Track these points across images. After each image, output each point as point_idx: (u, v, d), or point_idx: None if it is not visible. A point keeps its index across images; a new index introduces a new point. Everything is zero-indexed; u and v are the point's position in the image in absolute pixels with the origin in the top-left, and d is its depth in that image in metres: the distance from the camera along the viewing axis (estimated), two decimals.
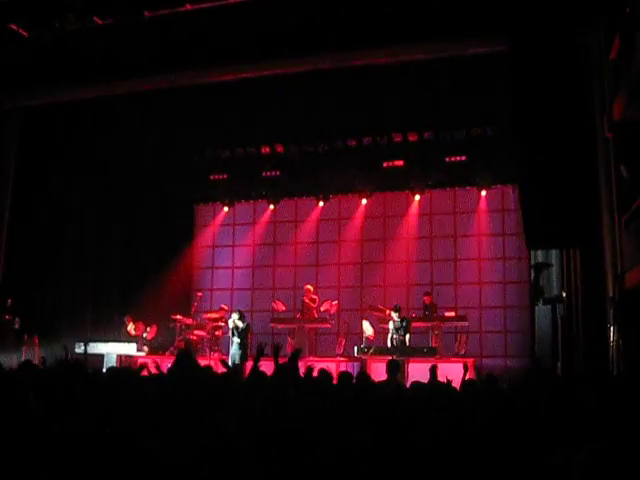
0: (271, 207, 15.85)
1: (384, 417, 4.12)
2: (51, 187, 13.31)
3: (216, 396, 4.63)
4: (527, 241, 11.22)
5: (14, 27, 10.98)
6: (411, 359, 11.36)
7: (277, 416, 3.90)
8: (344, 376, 6.30)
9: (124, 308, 14.18)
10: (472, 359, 12.37)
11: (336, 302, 13.76)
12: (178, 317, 14.11)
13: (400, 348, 12.08)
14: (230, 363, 12.11)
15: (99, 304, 14.22)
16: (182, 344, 13.32)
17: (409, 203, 15.03)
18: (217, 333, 13.75)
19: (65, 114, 13.06)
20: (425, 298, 13.39)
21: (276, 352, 6.53)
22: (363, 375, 7.33)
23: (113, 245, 14.79)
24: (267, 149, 14.67)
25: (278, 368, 6.04)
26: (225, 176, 15.45)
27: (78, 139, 13.49)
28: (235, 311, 12.57)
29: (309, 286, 14.07)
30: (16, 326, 12.35)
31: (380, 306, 12.96)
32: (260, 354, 6.36)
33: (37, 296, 13.15)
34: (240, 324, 12.16)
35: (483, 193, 14.54)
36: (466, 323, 12.90)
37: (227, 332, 12.86)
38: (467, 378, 7.34)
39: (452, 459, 3.56)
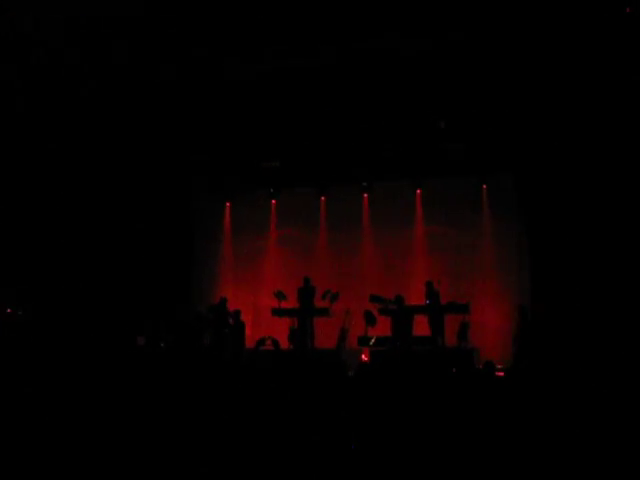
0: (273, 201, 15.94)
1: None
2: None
3: None
4: (528, 228, 11.25)
5: None
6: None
7: None
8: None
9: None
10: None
11: (337, 293, 13.62)
12: None
13: (402, 339, 12.08)
14: None
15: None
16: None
17: (410, 194, 15.03)
18: None
19: None
20: (427, 287, 13.28)
21: (275, 343, 6.95)
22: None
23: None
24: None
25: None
26: None
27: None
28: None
29: (309, 277, 14.05)
30: None
31: (382, 296, 12.88)
32: (260, 344, 6.67)
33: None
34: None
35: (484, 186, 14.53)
36: (468, 313, 12.75)
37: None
38: None
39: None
